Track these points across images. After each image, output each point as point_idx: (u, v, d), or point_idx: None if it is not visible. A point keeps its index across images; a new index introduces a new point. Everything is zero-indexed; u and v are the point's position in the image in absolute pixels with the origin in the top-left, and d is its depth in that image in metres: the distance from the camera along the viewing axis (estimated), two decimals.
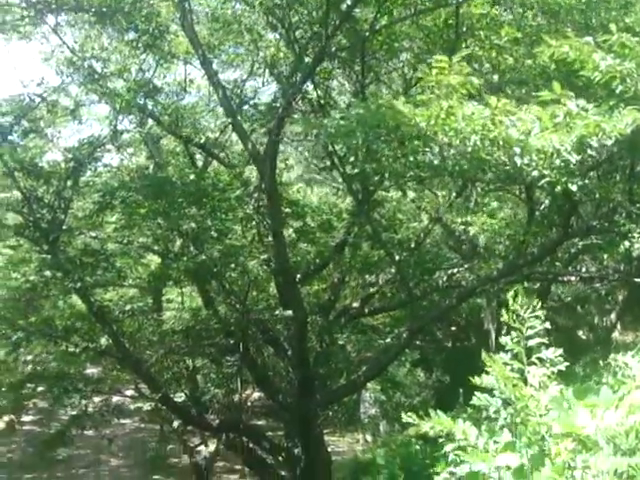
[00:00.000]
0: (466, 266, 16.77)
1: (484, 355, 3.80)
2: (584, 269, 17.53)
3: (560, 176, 8.02)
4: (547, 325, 3.88)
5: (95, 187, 16.22)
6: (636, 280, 14.81)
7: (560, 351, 3.90)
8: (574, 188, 8.54)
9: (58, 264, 15.53)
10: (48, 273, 16.20)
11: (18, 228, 16.56)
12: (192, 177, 15.22)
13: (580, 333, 30.25)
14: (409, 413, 3.81)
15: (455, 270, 17.11)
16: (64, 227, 16.11)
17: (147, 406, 15.06)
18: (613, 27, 8.22)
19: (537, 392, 3.62)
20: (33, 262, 17.40)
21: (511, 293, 3.92)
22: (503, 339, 3.91)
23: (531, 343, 3.83)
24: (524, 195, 16.12)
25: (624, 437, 3.17)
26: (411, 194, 18.12)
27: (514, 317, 3.85)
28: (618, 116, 7.32)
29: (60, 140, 17.87)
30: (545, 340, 3.88)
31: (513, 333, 3.87)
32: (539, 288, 20.07)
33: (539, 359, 3.81)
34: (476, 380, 3.85)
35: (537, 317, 3.85)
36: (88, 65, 16.40)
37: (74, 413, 18.44)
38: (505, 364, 3.75)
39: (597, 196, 13.75)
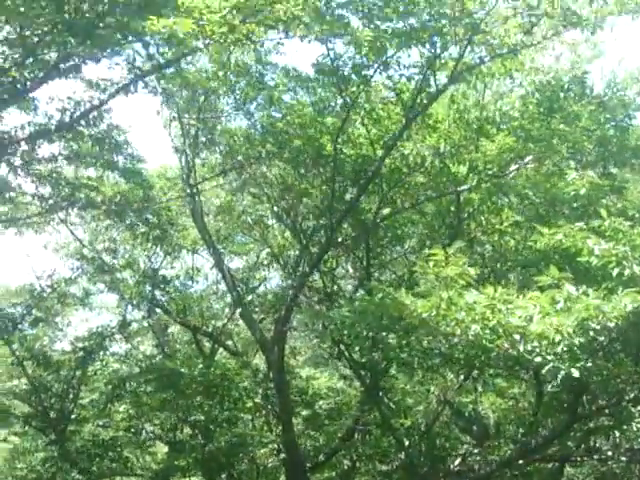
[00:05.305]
0: (477, 451, 16.50)
1: None
2: (597, 446, 17.19)
3: (563, 361, 8.07)
4: None
5: (103, 376, 16.30)
6: None
7: None
8: (576, 374, 8.52)
9: (65, 454, 15.39)
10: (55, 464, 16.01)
11: (26, 417, 16.51)
12: (200, 367, 15.27)
13: None
14: None
15: (467, 453, 16.82)
16: (72, 416, 16.07)
17: None
18: (604, 212, 8.62)
19: None
20: (39, 451, 17.22)
21: None
22: None
23: None
24: (532, 374, 16.06)
25: None
26: (419, 375, 18.05)
27: None
28: (617, 298, 7.50)
29: (69, 329, 18.16)
30: None
31: None
32: (552, 467, 19.66)
33: None
34: None
35: None
36: (97, 257, 16.85)
37: None
38: None
39: (606, 375, 13.70)
